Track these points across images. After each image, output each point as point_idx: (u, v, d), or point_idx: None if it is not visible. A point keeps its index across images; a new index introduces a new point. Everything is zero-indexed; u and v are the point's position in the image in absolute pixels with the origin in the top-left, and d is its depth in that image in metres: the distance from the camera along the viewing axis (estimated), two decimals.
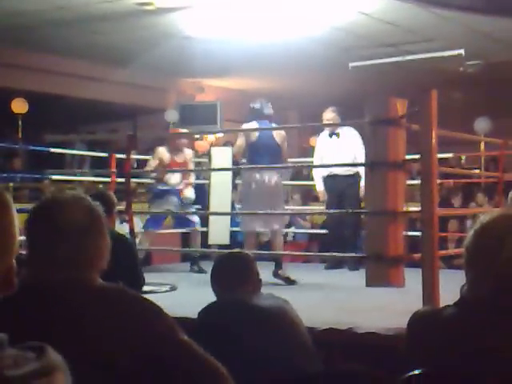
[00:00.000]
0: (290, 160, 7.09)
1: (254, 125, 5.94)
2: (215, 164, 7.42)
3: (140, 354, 1.49)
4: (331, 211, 6.97)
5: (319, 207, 9.95)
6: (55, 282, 1.54)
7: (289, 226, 9.79)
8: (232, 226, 7.51)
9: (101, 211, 1.73)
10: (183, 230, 7.55)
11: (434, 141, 3.93)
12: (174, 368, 1.55)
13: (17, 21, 8.13)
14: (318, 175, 7.17)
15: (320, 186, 7.16)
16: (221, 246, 7.40)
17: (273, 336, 2.71)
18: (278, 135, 6.00)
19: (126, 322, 1.52)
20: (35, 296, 1.47)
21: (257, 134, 5.92)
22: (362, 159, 5.66)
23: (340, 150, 6.82)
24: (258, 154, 5.90)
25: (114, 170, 6.63)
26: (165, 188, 6.96)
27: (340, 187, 6.90)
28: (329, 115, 6.93)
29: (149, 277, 4.55)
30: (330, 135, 7.01)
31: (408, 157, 4.55)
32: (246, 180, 6.06)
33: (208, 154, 7.98)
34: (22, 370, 0.91)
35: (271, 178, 5.86)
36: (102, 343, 1.47)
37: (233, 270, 2.98)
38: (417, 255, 4.08)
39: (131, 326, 1.52)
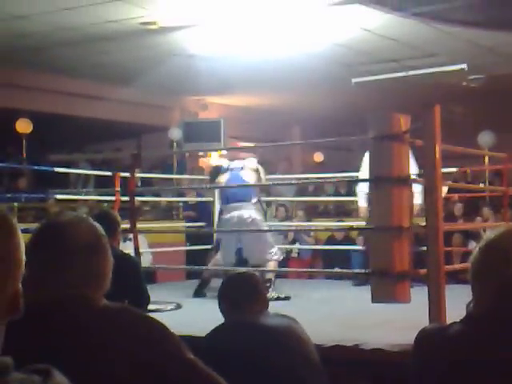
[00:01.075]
0: (293, 176, 7.16)
1: (226, 175, 6.62)
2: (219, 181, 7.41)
3: (145, 373, 1.48)
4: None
5: (323, 223, 9.95)
6: (59, 302, 1.54)
7: (293, 242, 9.77)
8: None
9: (103, 231, 1.73)
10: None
11: (437, 156, 3.93)
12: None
13: (21, 42, 8.19)
14: (363, 191, 6.99)
15: (363, 202, 6.97)
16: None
17: (281, 355, 2.70)
18: (249, 174, 6.49)
19: (130, 341, 1.50)
20: (40, 318, 1.46)
21: (225, 179, 6.57)
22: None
23: None
24: (228, 196, 6.47)
25: (118, 188, 6.63)
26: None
27: None
28: None
29: (154, 295, 4.54)
30: None
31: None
32: (223, 218, 6.50)
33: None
34: None
35: (245, 214, 6.28)
36: (106, 363, 1.46)
37: (241, 290, 2.97)
38: (422, 271, 4.06)
39: (136, 346, 1.50)
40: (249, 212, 6.32)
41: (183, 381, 1.53)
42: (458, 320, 1.84)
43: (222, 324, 2.92)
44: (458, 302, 2.21)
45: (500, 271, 1.76)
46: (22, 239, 1.04)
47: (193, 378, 1.53)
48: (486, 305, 1.77)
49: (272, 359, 2.67)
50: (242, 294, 2.95)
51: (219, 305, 3.00)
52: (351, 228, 8.84)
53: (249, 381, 2.50)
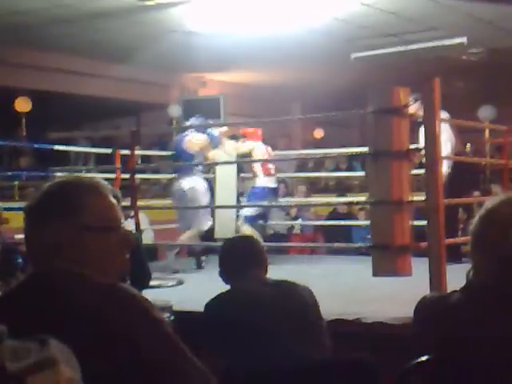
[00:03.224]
0: (293, 152, 7.16)
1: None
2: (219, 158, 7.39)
3: (133, 354, 1.41)
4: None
5: (323, 198, 9.94)
6: (54, 273, 1.51)
7: (296, 218, 9.78)
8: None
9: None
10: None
11: (437, 129, 3.92)
12: (156, 368, 1.47)
13: (19, 19, 8.13)
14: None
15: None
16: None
17: (284, 323, 2.70)
18: (188, 143, 6.66)
19: (119, 320, 1.45)
20: (30, 291, 1.44)
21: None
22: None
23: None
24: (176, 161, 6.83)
25: (118, 166, 6.62)
26: None
27: None
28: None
29: (156, 271, 4.55)
30: None
31: (412, 146, 4.53)
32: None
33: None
34: (23, 363, 0.90)
35: (186, 184, 6.51)
36: (92, 339, 1.40)
37: (242, 252, 2.94)
38: (423, 244, 4.07)
39: (124, 325, 1.45)
40: (180, 183, 6.55)
41: (171, 366, 1.47)
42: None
43: (228, 291, 2.89)
44: (458, 275, 2.21)
45: (499, 242, 1.76)
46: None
47: (181, 364, 1.48)
48: (485, 275, 1.78)
49: (274, 327, 2.66)
50: (244, 255, 2.92)
51: (221, 268, 2.98)
52: (352, 203, 8.85)
53: (252, 348, 2.50)
